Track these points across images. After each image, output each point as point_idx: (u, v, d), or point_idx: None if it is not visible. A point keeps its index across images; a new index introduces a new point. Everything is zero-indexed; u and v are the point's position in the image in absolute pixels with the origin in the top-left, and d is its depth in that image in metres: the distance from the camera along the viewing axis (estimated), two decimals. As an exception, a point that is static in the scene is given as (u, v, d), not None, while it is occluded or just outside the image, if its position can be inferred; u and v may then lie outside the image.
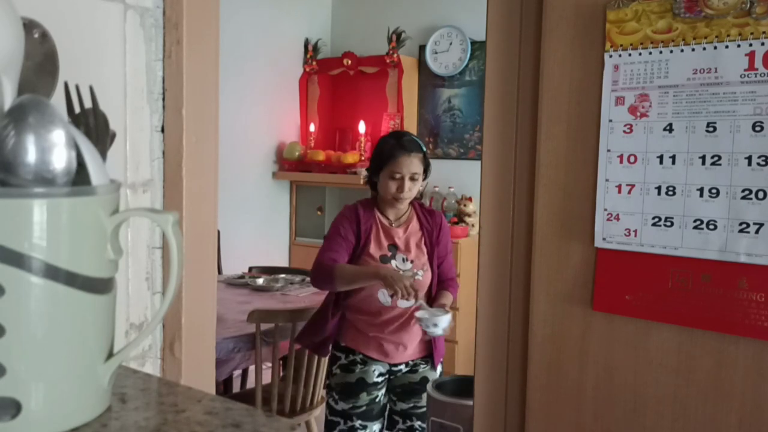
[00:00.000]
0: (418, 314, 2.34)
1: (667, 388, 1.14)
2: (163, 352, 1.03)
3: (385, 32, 4.90)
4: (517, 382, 1.31)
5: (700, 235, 1.09)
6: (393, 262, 2.45)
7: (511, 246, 1.31)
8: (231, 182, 4.70)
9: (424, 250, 2.51)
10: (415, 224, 2.53)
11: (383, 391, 2.52)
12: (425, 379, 2.52)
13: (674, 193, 1.11)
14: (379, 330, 2.46)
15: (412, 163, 2.42)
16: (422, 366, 2.55)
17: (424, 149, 2.51)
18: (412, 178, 2.43)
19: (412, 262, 2.49)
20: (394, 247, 2.47)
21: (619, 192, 1.15)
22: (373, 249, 2.45)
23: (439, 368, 2.60)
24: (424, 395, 2.47)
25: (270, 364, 3.09)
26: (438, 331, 2.29)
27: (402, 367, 2.52)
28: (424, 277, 2.49)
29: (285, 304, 3.32)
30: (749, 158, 1.04)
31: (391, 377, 2.54)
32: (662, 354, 1.14)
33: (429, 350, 2.55)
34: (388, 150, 2.44)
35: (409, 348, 2.50)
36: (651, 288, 1.14)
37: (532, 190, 1.26)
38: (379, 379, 2.50)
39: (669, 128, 1.11)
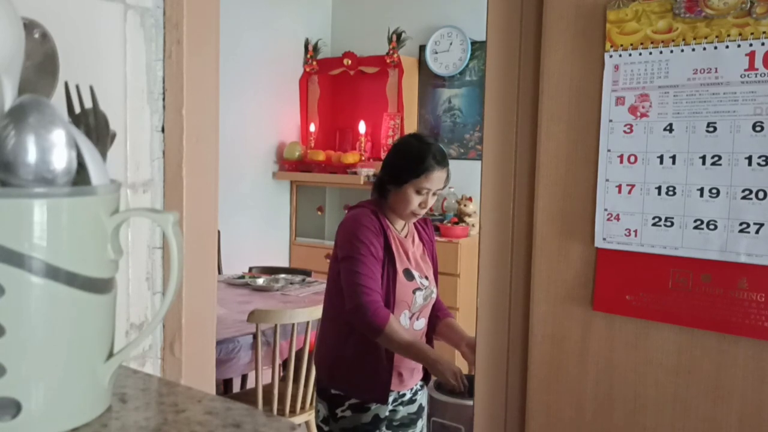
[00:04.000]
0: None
1: (667, 388, 1.14)
2: (164, 352, 1.03)
3: (385, 32, 4.90)
4: (517, 382, 1.31)
5: (701, 235, 1.09)
6: (416, 279, 2.16)
7: (511, 246, 1.31)
8: (231, 182, 4.70)
9: (429, 263, 2.28)
10: (416, 235, 2.29)
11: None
12: (421, 408, 2.34)
13: (674, 193, 1.11)
14: (398, 357, 2.15)
15: (442, 179, 2.15)
16: (419, 391, 2.33)
17: None
18: (435, 193, 2.16)
19: (427, 278, 2.22)
20: (408, 260, 2.18)
21: (619, 192, 1.15)
22: (398, 264, 2.12)
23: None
24: (419, 423, 2.33)
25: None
26: None
27: (407, 393, 2.27)
28: (436, 295, 2.27)
29: (285, 304, 3.33)
30: (749, 158, 1.04)
31: (392, 408, 2.24)
32: (662, 354, 1.14)
33: (426, 370, 2.31)
34: (423, 162, 2.10)
35: (420, 368, 2.27)
36: (651, 288, 1.14)
37: (532, 190, 1.26)
38: (389, 411, 2.20)
39: (669, 128, 1.11)
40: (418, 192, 2.12)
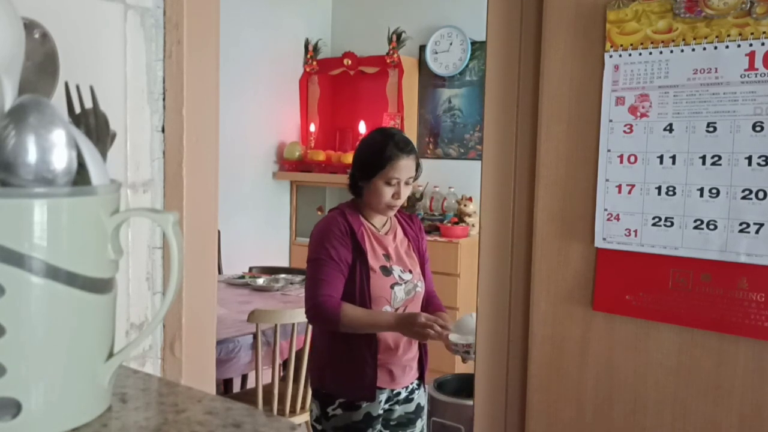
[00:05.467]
0: (453, 338, 2.04)
1: (667, 388, 1.14)
2: (164, 352, 1.03)
3: (385, 32, 4.90)
4: (517, 382, 1.31)
5: (701, 235, 1.09)
6: (395, 274, 2.19)
7: (511, 246, 1.31)
8: (231, 182, 4.70)
9: (415, 258, 2.29)
10: (400, 231, 2.30)
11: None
12: (419, 407, 2.33)
13: (674, 193, 1.11)
14: (389, 353, 2.18)
15: (409, 167, 2.17)
16: (416, 390, 2.31)
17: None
18: (407, 183, 2.17)
19: (410, 272, 2.24)
20: (388, 257, 2.21)
21: (619, 192, 1.15)
22: (372, 261, 2.15)
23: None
24: (419, 423, 2.32)
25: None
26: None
27: (402, 392, 2.26)
28: (422, 289, 2.29)
29: (285, 304, 3.33)
30: (749, 158, 1.04)
31: (388, 407, 2.24)
32: (662, 354, 1.14)
33: (421, 367, 2.32)
34: (384, 152, 2.14)
35: (415, 368, 2.28)
36: (651, 288, 1.14)
37: (532, 190, 1.26)
38: (382, 410, 2.21)
39: (669, 128, 1.11)
40: (388, 183, 2.14)
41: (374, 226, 2.24)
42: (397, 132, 2.25)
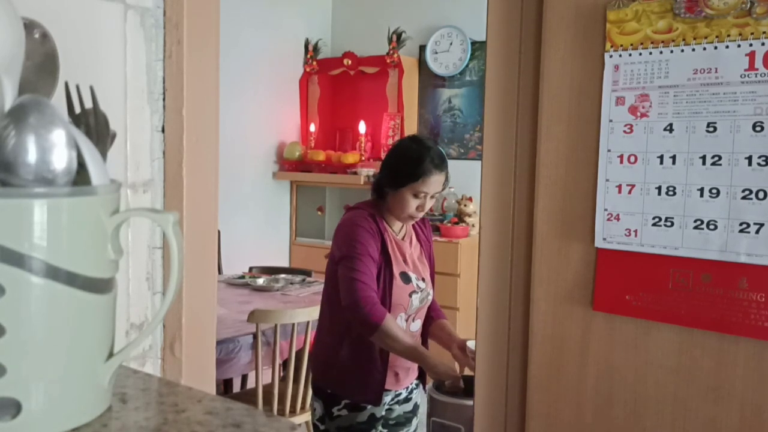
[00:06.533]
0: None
1: (667, 388, 1.14)
2: (164, 352, 1.03)
3: (385, 32, 4.90)
4: (517, 382, 1.31)
5: (701, 235, 1.09)
6: (413, 282, 2.16)
7: (511, 246, 1.31)
8: (231, 182, 4.70)
9: (426, 264, 2.28)
10: (414, 236, 2.29)
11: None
12: (416, 406, 2.34)
13: (674, 193, 1.11)
14: (397, 356, 2.15)
15: (440, 182, 2.14)
16: (415, 390, 2.34)
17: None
18: (433, 196, 2.15)
19: (423, 279, 2.21)
20: (404, 262, 2.18)
21: (620, 192, 1.15)
22: (395, 267, 2.12)
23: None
24: (414, 421, 2.33)
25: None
26: None
27: (403, 392, 2.28)
28: (432, 297, 2.28)
29: (285, 304, 3.33)
30: (749, 158, 1.04)
31: (389, 407, 2.25)
32: (662, 354, 1.14)
33: (422, 369, 2.29)
34: (420, 167, 2.09)
35: (416, 368, 2.27)
36: (651, 288, 1.14)
37: (532, 190, 1.26)
38: (384, 410, 2.22)
39: (669, 128, 1.11)
40: (416, 195, 2.11)
41: (393, 230, 2.20)
42: (433, 145, 2.19)
